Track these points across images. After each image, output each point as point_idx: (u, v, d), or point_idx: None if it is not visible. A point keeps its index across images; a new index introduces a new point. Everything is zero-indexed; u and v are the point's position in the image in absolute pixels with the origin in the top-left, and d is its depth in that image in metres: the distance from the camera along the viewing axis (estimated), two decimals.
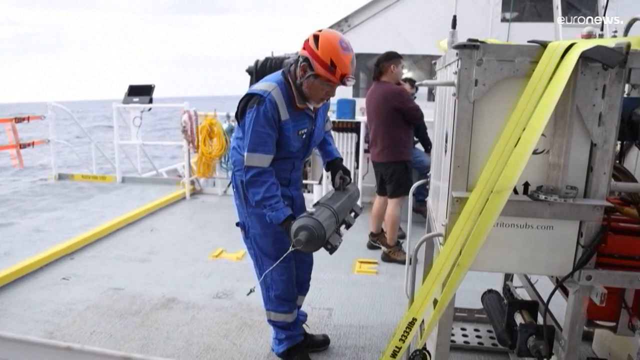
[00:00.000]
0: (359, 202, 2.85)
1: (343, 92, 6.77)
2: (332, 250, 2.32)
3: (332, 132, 6.08)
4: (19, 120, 7.50)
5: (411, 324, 1.71)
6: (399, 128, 4.36)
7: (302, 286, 2.97)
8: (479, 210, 1.62)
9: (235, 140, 2.63)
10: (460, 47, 1.75)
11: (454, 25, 2.38)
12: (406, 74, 7.23)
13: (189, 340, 3.07)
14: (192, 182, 7.20)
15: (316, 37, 2.34)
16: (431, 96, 6.95)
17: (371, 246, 4.85)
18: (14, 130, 7.50)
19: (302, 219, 2.28)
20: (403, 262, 4.44)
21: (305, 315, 3.10)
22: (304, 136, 2.60)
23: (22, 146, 7.49)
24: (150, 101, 7.70)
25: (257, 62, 9.28)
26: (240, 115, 2.52)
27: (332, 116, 6.19)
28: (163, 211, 6.23)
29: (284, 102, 2.45)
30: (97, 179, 7.95)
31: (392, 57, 4.46)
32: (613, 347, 2.74)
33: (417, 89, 5.54)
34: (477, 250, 1.63)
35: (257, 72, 9.11)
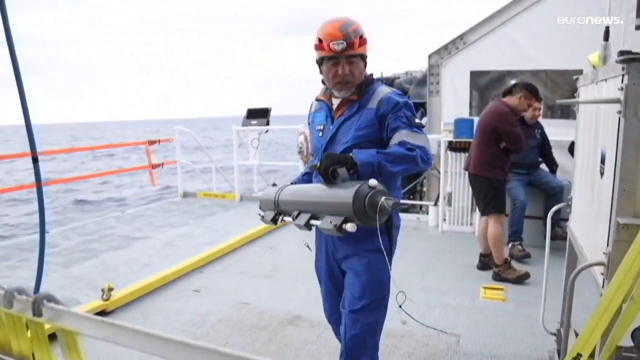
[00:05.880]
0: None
1: (460, 110, 6.61)
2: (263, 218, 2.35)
3: (449, 153, 5.99)
4: (151, 142, 8.19)
5: (575, 359, 1.59)
6: (491, 146, 4.41)
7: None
8: None
9: None
10: (628, 60, 1.62)
11: (606, 38, 2.23)
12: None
13: (317, 359, 3.10)
14: None
15: None
16: (557, 113, 6.55)
17: (481, 267, 4.74)
18: (147, 152, 8.22)
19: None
20: (514, 281, 4.35)
21: None
22: (320, 134, 2.34)
23: (154, 166, 8.14)
24: (267, 123, 8.07)
25: None
26: None
27: (450, 136, 6.03)
28: (281, 230, 6.42)
29: (323, 95, 2.37)
30: (218, 197, 8.42)
31: (532, 95, 4.47)
32: None
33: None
34: None
35: None
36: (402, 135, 2.07)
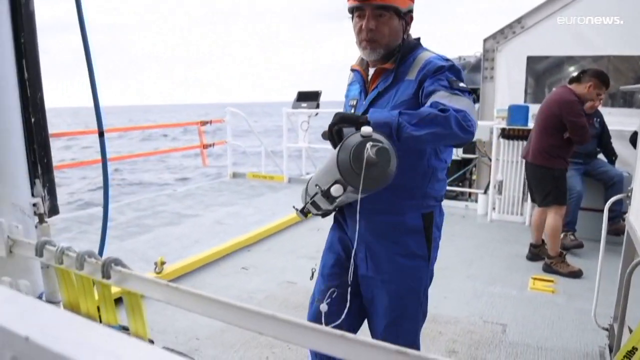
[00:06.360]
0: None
1: (514, 97, 6.43)
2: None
3: (501, 140, 5.83)
4: (204, 123, 8.38)
5: (630, 352, 1.56)
6: (553, 135, 4.23)
7: None
8: None
9: None
10: None
11: None
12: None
13: None
14: None
15: None
16: (618, 101, 6.27)
17: (531, 258, 4.63)
18: (199, 132, 8.42)
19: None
20: (565, 276, 4.20)
21: None
22: (352, 110, 1.90)
23: (206, 146, 8.34)
24: (317, 106, 8.10)
25: None
26: None
27: (503, 123, 5.88)
28: None
29: (358, 64, 1.95)
30: (267, 178, 8.56)
31: (603, 84, 4.21)
32: None
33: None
34: None
35: None
36: (437, 96, 1.59)
